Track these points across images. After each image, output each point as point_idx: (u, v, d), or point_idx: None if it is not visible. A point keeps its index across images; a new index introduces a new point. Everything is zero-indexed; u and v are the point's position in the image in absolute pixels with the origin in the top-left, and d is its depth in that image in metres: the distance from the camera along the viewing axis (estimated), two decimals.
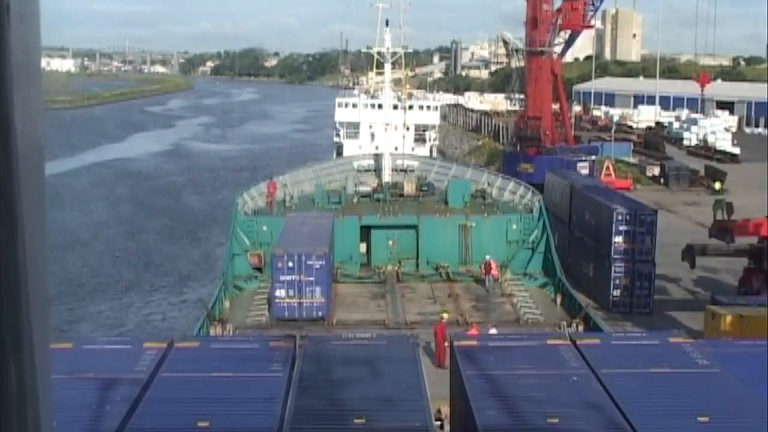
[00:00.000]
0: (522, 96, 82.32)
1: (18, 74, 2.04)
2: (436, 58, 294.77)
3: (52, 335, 2.39)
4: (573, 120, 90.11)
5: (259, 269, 42.19)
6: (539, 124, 78.99)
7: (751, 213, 54.04)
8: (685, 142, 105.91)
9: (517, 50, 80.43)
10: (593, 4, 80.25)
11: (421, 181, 52.81)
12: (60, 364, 15.39)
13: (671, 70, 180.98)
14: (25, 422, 2.13)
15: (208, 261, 58.14)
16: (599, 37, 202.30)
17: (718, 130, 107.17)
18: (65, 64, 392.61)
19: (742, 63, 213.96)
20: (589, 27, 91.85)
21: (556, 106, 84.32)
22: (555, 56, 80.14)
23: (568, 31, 79.88)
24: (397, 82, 63.04)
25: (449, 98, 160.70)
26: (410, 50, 62.05)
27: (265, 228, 43.42)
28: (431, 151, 63.13)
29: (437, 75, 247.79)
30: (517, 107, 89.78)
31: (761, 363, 16.60)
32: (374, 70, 61.18)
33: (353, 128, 63.51)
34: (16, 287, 2.09)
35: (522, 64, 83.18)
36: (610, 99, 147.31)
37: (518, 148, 79.32)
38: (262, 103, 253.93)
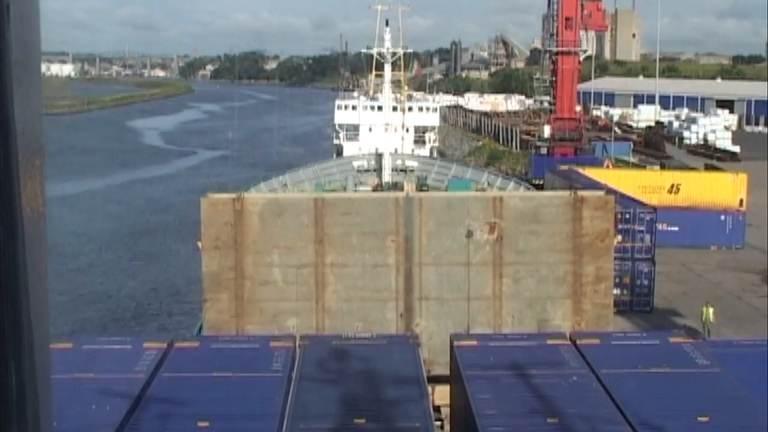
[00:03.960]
0: (548, 97, 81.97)
1: (18, 74, 2.05)
2: (435, 60, 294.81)
3: (52, 335, 2.39)
4: None
5: None
6: (576, 125, 79.32)
7: (752, 211, 54.14)
8: (686, 141, 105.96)
9: (548, 51, 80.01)
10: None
11: (421, 181, 52.87)
12: (60, 364, 15.39)
13: (671, 69, 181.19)
14: (25, 422, 2.13)
15: None
16: (599, 37, 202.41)
17: (718, 128, 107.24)
18: (65, 69, 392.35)
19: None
20: (605, 28, 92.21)
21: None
22: (581, 56, 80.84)
23: (590, 32, 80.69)
24: (396, 84, 63.06)
25: (449, 99, 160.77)
26: (410, 50, 62.12)
27: None
28: (431, 153, 63.21)
29: (437, 76, 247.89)
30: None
31: (761, 363, 16.60)
32: (374, 71, 61.26)
33: (353, 130, 63.58)
34: (16, 287, 2.09)
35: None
36: (610, 99, 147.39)
37: (548, 150, 79.08)
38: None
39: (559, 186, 54.30)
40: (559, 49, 77.42)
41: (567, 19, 76.74)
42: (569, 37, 77.10)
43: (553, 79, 79.26)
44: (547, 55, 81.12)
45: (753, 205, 54.53)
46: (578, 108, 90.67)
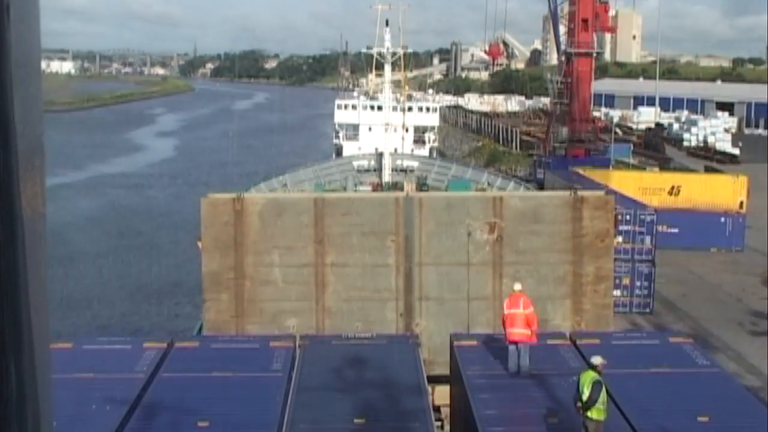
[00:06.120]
0: (563, 100, 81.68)
1: (18, 74, 2.04)
2: (435, 60, 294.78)
3: (52, 335, 2.39)
4: None
5: None
6: (591, 126, 79.91)
7: (751, 213, 54.16)
8: (685, 143, 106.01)
9: (566, 52, 79.78)
10: None
11: (421, 181, 52.87)
12: (60, 364, 15.39)
13: (671, 71, 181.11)
14: (25, 422, 2.12)
15: None
16: (599, 38, 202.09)
17: (717, 131, 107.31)
18: (65, 66, 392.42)
19: (749, 65, 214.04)
20: (613, 30, 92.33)
21: None
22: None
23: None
24: (396, 84, 63.06)
25: (449, 99, 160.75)
26: (410, 50, 62.12)
27: None
28: (431, 153, 63.22)
29: (437, 76, 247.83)
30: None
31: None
32: (374, 71, 61.25)
33: (353, 130, 63.62)
34: (16, 287, 2.09)
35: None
36: (609, 100, 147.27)
37: (565, 152, 79.25)
38: None
39: (559, 186, 54.33)
40: (576, 50, 77.63)
41: (584, 20, 76.96)
42: (585, 38, 77.47)
43: (568, 80, 79.33)
44: (564, 56, 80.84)
45: (753, 207, 54.52)
46: None
